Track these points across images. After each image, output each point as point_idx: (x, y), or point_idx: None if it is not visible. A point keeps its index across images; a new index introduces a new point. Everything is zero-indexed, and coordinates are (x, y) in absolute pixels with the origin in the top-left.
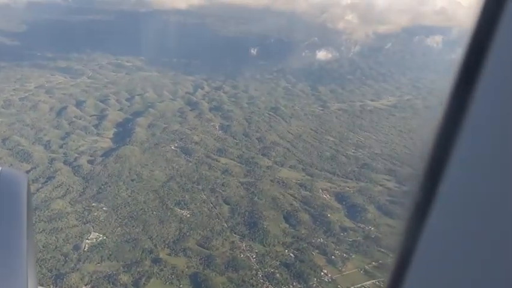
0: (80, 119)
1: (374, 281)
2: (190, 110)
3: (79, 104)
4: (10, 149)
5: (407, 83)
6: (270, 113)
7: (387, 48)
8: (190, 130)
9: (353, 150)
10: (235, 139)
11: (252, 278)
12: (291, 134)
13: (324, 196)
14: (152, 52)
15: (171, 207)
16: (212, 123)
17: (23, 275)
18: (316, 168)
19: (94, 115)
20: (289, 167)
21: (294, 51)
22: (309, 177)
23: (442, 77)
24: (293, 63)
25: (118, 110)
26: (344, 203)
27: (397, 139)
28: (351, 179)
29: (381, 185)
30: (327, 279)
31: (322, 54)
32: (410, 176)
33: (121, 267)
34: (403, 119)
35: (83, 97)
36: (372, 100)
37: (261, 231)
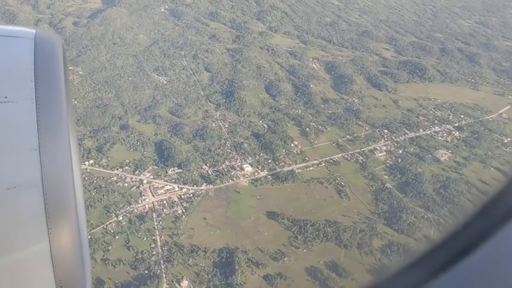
0: None
1: (343, 154)
2: None
3: None
4: None
5: None
6: None
7: None
8: None
9: (356, 16)
10: (232, 2)
11: (219, 148)
12: None
13: (314, 65)
14: None
15: (149, 73)
16: None
17: (64, 131)
18: (312, 35)
19: None
20: (284, 33)
21: None
22: (302, 45)
23: None
24: None
25: None
26: (332, 73)
27: (408, 5)
28: (347, 48)
29: (377, 54)
30: (296, 151)
31: None
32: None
33: (88, 133)
34: None
35: None
36: None
37: (237, 101)
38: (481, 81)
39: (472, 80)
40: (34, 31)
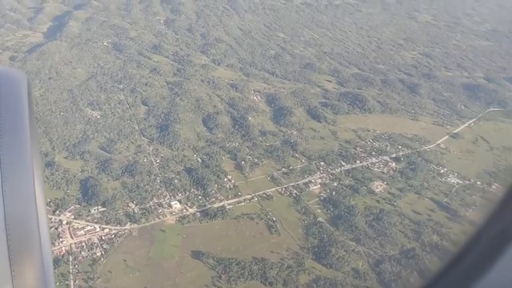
0: (14, 12)
1: (277, 187)
2: (139, 3)
3: None
4: None
5: None
6: (226, 6)
7: None
8: (130, 24)
9: (301, 48)
10: (177, 35)
11: (148, 184)
12: (241, 30)
13: (254, 98)
14: None
15: (82, 107)
16: (157, 17)
17: (28, 168)
18: (255, 68)
19: (31, 8)
20: (227, 65)
21: None
22: (244, 77)
23: None
24: None
25: (59, 2)
26: (273, 105)
27: (354, 37)
28: (290, 80)
29: (319, 86)
30: (229, 186)
31: None
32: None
33: None
34: (369, 15)
35: None
36: None
37: (172, 135)
38: (421, 112)
39: (412, 111)
40: None
